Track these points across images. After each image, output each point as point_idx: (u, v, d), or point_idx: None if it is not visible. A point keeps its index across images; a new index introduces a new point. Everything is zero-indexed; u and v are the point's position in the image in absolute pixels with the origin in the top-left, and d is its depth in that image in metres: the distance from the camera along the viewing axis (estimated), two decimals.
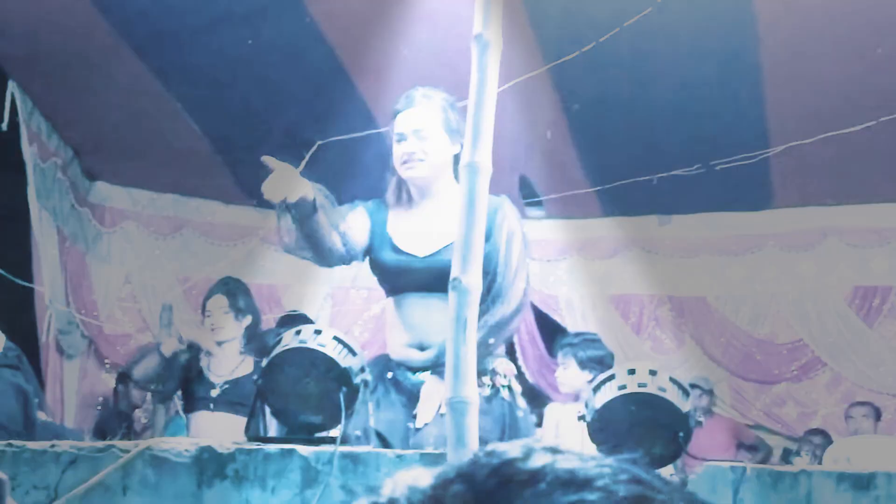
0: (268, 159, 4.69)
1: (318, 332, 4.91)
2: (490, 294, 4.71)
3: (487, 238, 4.62)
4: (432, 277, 4.70)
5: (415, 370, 4.90)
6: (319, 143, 8.04)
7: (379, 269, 5.08)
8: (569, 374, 6.66)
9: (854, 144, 7.53)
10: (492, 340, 4.76)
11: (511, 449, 0.76)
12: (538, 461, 0.73)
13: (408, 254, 4.91)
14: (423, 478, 0.77)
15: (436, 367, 4.74)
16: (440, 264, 4.61)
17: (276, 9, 7.27)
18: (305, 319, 6.84)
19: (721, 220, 10.01)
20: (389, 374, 4.95)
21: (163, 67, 7.95)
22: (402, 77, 7.67)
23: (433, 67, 7.12)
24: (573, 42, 6.59)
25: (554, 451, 0.75)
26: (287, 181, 4.67)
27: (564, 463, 0.72)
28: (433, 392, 4.79)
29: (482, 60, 4.35)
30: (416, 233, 4.90)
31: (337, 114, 7.93)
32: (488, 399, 4.75)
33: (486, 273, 4.48)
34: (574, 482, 0.70)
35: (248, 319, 6.83)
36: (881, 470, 4.32)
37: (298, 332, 4.94)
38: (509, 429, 4.83)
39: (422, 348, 4.87)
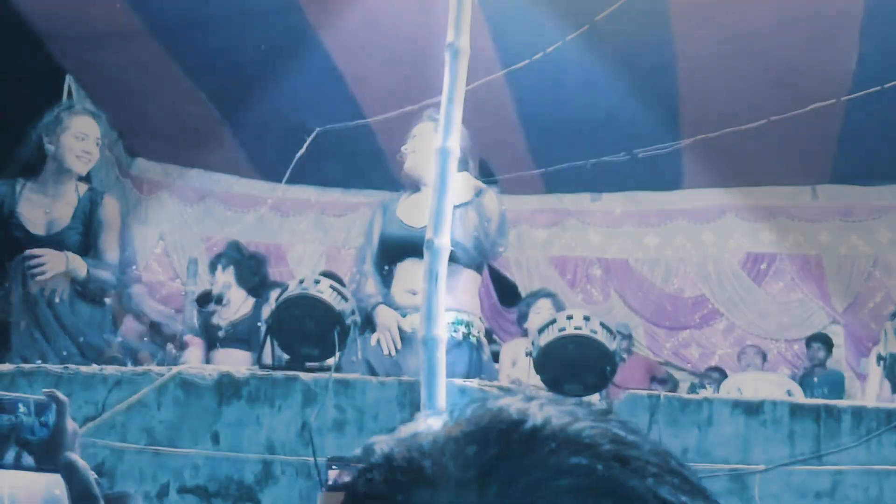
0: None
1: (317, 281, 4.91)
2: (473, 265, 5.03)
3: (476, 224, 4.97)
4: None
5: (406, 312, 4.94)
6: (318, 129, 8.00)
7: (390, 241, 5.13)
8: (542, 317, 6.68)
9: (750, 138, 7.53)
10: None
11: (511, 404, 0.69)
12: (537, 417, 0.67)
13: (409, 226, 5.02)
14: (436, 426, 0.69)
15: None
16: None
17: (281, 17, 7.23)
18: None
19: (641, 197, 10.03)
20: None
21: (190, 63, 7.91)
22: (384, 78, 7.65)
23: (411, 73, 7.10)
24: (524, 51, 6.58)
25: (543, 405, 0.69)
26: None
27: (559, 420, 0.67)
28: (388, 319, 4.92)
29: (454, 65, 4.33)
30: (416, 212, 4.98)
31: (333, 106, 7.89)
32: (458, 343, 4.85)
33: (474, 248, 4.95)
34: (570, 444, 0.65)
35: (230, 270, 6.93)
36: (767, 398, 4.35)
37: (301, 282, 4.93)
38: (475, 366, 4.94)
39: (414, 293, 4.89)
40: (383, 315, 5.02)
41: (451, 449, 0.66)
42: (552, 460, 0.64)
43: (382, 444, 0.69)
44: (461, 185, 5.00)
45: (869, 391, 6.45)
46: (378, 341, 4.96)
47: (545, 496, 0.63)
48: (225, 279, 6.85)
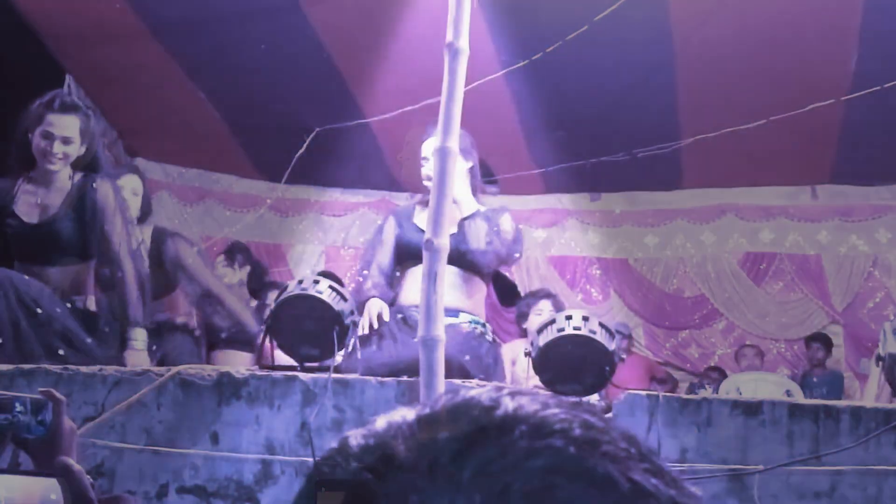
0: None
1: (316, 281, 4.91)
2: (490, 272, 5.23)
3: (491, 240, 5.09)
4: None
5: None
6: (318, 129, 8.00)
7: (406, 248, 5.19)
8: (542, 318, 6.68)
9: (749, 139, 7.53)
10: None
11: (482, 393, 0.69)
12: (509, 405, 0.67)
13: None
14: (409, 417, 0.69)
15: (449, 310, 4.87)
16: (467, 260, 5.04)
17: (282, 20, 7.23)
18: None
19: (640, 197, 10.03)
20: (399, 316, 5.03)
21: (190, 63, 7.91)
22: (386, 79, 7.65)
23: (411, 72, 7.10)
24: (524, 51, 6.59)
25: (514, 394, 0.69)
26: None
27: (530, 407, 0.67)
28: (375, 307, 5.00)
29: (453, 65, 4.34)
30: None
31: (332, 106, 7.89)
32: (480, 336, 5.01)
33: (492, 261, 5.15)
34: (542, 428, 0.65)
35: (246, 269, 6.91)
36: (766, 399, 4.35)
37: (300, 282, 4.93)
38: (494, 360, 5.07)
39: None
40: (372, 304, 5.05)
41: (424, 435, 0.66)
42: (524, 443, 0.64)
43: (357, 435, 0.69)
44: (469, 199, 5.11)
45: (868, 392, 6.44)
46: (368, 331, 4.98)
47: (519, 478, 0.63)
48: (240, 276, 6.90)
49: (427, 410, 0.69)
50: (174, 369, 4.46)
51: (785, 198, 9.80)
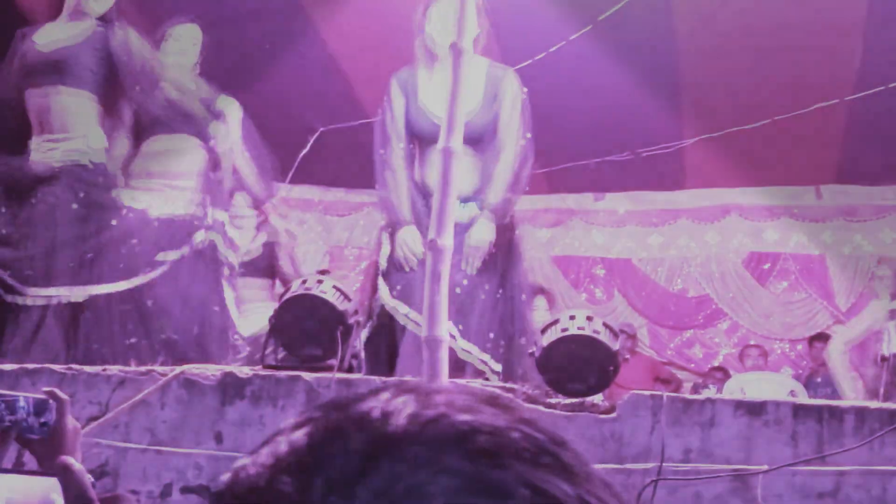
0: None
1: (319, 281, 4.90)
2: (494, 145, 4.93)
3: (494, 98, 4.92)
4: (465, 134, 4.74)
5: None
6: (322, 129, 8.00)
7: (418, 134, 5.04)
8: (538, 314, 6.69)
9: (753, 139, 7.54)
10: (508, 191, 4.93)
11: (376, 405, 0.65)
12: (401, 417, 0.63)
13: (438, 117, 4.72)
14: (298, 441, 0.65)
15: (465, 197, 4.83)
16: (470, 127, 4.63)
17: (286, 20, 7.23)
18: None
19: (644, 197, 10.03)
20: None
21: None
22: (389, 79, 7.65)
23: None
24: (527, 51, 6.58)
25: (414, 398, 0.65)
26: None
27: (424, 418, 0.63)
28: (410, 238, 4.92)
29: (456, 65, 4.33)
30: (442, 99, 4.56)
31: (335, 106, 7.89)
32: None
33: (493, 128, 4.86)
34: (437, 441, 0.62)
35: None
36: (770, 399, 4.34)
37: (304, 282, 4.93)
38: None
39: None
40: (406, 235, 4.95)
41: (309, 467, 0.63)
42: (420, 468, 0.61)
43: (244, 467, 0.66)
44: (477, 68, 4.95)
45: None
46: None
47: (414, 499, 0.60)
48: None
49: (314, 432, 0.65)
50: (178, 369, 4.46)
51: (789, 198, 9.80)
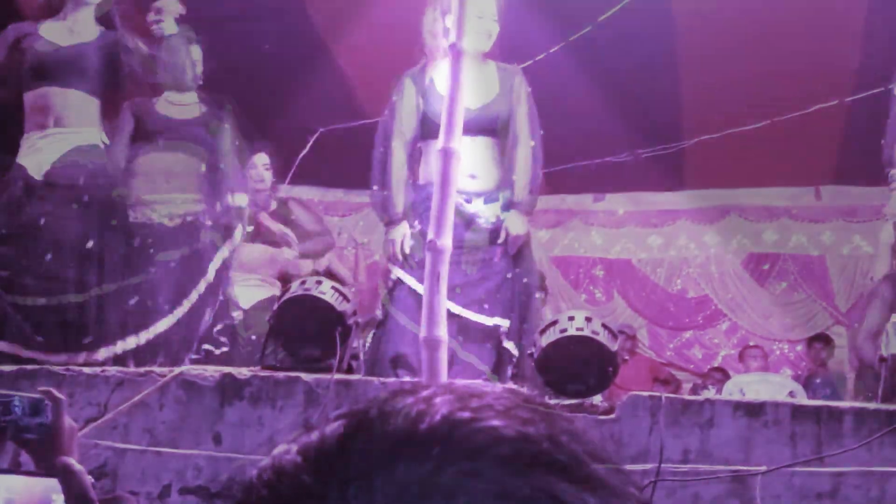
0: None
1: (319, 282, 4.90)
2: (511, 139, 5.01)
3: (510, 90, 5.01)
4: (484, 123, 4.94)
5: (469, 197, 4.92)
6: (321, 130, 8.00)
7: (433, 117, 4.93)
8: None
9: (752, 140, 7.53)
10: (530, 188, 5.02)
11: (412, 405, 0.65)
12: (434, 417, 0.63)
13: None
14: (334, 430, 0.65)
15: (488, 194, 4.93)
16: (489, 114, 4.94)
17: (286, 21, 7.23)
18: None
19: (643, 198, 10.04)
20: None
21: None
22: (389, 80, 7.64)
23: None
24: (527, 52, 6.58)
25: (452, 398, 0.65)
26: None
27: (454, 419, 0.63)
28: (398, 234, 4.92)
29: (455, 66, 4.34)
30: (465, 89, 4.58)
31: (335, 107, 7.89)
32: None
33: (505, 124, 4.96)
34: (460, 446, 0.61)
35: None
36: (769, 400, 4.34)
37: (303, 283, 4.93)
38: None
39: (473, 177, 4.92)
40: (397, 232, 4.95)
41: (334, 457, 0.63)
42: (430, 467, 0.61)
43: (280, 455, 0.66)
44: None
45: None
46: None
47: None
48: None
49: (348, 426, 0.65)
50: (176, 370, 4.46)
51: (788, 199, 9.80)
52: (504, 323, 4.86)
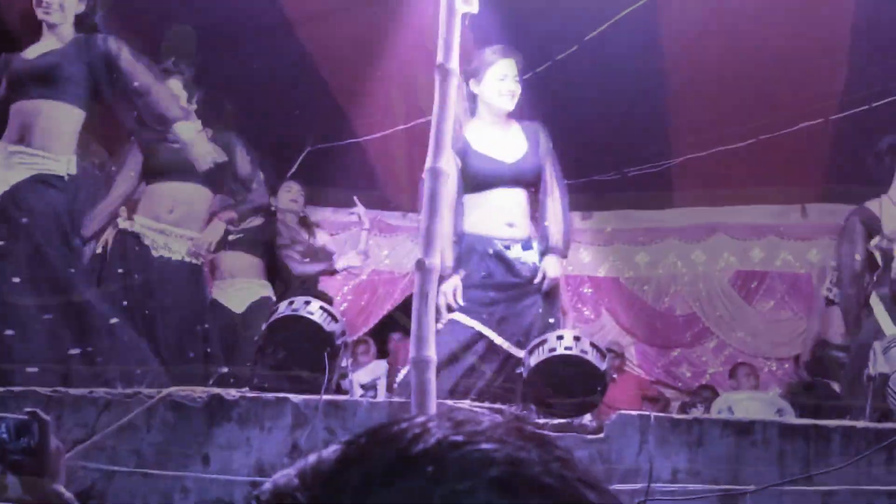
0: None
1: (307, 302, 4.90)
2: (543, 189, 5.41)
3: (537, 145, 5.44)
4: (518, 176, 5.36)
5: (507, 244, 5.25)
6: (309, 148, 8.01)
7: (474, 173, 5.33)
8: None
9: (739, 158, 7.57)
10: (564, 233, 5.42)
11: (409, 428, 0.66)
12: (429, 440, 0.65)
13: (498, 161, 5.33)
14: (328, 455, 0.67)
15: (525, 241, 5.31)
16: (523, 167, 5.37)
17: (275, 38, 7.23)
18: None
19: (631, 216, 10.04)
20: (490, 250, 5.24)
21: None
22: (377, 99, 7.66)
23: (402, 93, 7.11)
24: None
25: (448, 423, 0.66)
26: None
27: (449, 441, 0.64)
28: (449, 287, 5.13)
29: (443, 86, 4.34)
30: (498, 146, 5.37)
31: (323, 125, 7.90)
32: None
33: (536, 176, 5.40)
34: (456, 465, 0.63)
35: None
36: (758, 418, 4.34)
37: (291, 303, 4.92)
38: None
39: (511, 225, 5.29)
40: (448, 285, 5.13)
41: (329, 478, 0.65)
42: (423, 486, 0.62)
43: (272, 480, 0.67)
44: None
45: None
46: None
47: None
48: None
49: (344, 448, 0.67)
50: (164, 391, 4.45)
51: (775, 216, 9.82)
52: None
